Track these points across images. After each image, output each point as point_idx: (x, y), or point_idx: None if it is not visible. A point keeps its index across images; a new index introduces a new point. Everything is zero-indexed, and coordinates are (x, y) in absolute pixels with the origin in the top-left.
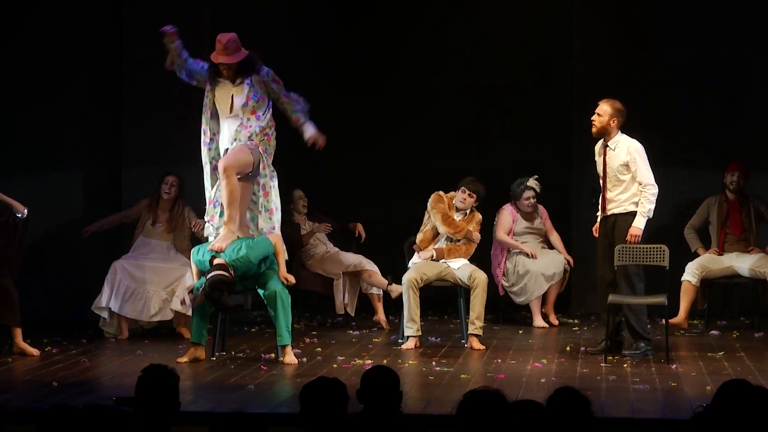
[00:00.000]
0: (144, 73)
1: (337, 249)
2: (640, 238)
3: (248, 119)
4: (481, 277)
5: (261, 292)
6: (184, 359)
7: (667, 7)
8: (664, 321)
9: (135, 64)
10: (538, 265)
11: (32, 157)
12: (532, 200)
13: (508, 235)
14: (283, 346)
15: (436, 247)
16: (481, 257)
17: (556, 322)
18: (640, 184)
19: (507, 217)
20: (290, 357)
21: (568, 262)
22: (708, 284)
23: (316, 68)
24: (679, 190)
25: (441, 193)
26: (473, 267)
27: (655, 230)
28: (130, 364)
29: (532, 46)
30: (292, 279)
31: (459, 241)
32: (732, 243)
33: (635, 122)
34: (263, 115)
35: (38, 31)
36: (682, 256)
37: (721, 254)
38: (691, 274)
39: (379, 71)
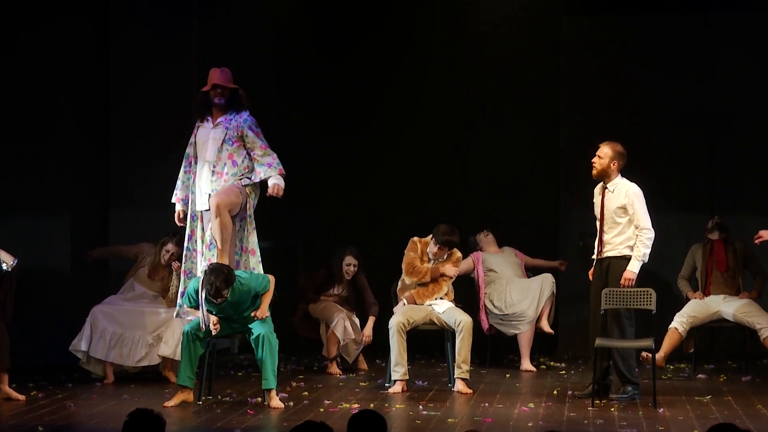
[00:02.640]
0: (132, 112)
1: (335, 301)
2: (634, 282)
3: (224, 165)
4: (465, 320)
5: (249, 335)
6: (172, 403)
7: (653, 55)
8: (651, 365)
9: (122, 102)
10: (524, 293)
11: (18, 197)
12: (488, 235)
13: (478, 276)
14: (269, 390)
15: (405, 294)
16: (468, 299)
17: (551, 330)
18: (637, 228)
19: (468, 261)
20: (276, 401)
21: (559, 268)
22: (695, 328)
23: (300, 103)
24: (665, 234)
25: (415, 239)
26: (458, 310)
27: (642, 272)
28: (115, 409)
29: (518, 88)
30: (264, 315)
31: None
32: (718, 284)
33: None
34: (241, 162)
35: (24, 69)
36: (669, 300)
37: (708, 295)
38: (678, 323)
39: (364, 107)
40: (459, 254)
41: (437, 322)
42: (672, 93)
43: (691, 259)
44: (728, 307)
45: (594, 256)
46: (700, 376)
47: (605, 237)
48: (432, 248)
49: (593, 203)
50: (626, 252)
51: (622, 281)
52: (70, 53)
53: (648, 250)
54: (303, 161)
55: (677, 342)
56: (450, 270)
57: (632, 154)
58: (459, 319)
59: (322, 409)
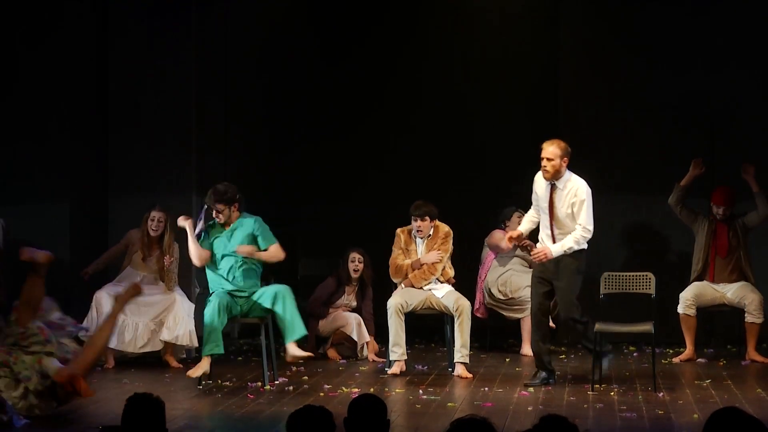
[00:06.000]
0: (130, 101)
1: (343, 309)
2: (545, 259)
3: None
4: (464, 305)
5: (262, 302)
6: (197, 373)
7: (652, 39)
8: (650, 348)
9: (121, 93)
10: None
11: (18, 187)
12: (520, 217)
13: (487, 259)
14: (294, 341)
15: (403, 279)
16: (467, 282)
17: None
18: (580, 225)
19: (498, 233)
20: (295, 350)
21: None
22: (699, 310)
23: (300, 95)
24: (666, 216)
25: (399, 231)
26: (457, 295)
27: (641, 257)
28: (116, 393)
29: (517, 77)
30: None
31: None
32: (720, 270)
33: (622, 151)
34: None
35: (26, 61)
36: (670, 283)
37: (712, 281)
38: (686, 306)
39: (363, 105)
40: (446, 228)
41: (436, 307)
42: (672, 82)
43: (697, 214)
44: (731, 293)
45: (521, 229)
46: (699, 360)
47: (555, 233)
48: (414, 225)
49: (534, 191)
50: (576, 247)
51: (535, 252)
52: (70, 46)
53: (577, 247)
54: (306, 150)
55: (695, 325)
56: (430, 257)
57: (633, 139)
58: (457, 304)
59: (322, 394)
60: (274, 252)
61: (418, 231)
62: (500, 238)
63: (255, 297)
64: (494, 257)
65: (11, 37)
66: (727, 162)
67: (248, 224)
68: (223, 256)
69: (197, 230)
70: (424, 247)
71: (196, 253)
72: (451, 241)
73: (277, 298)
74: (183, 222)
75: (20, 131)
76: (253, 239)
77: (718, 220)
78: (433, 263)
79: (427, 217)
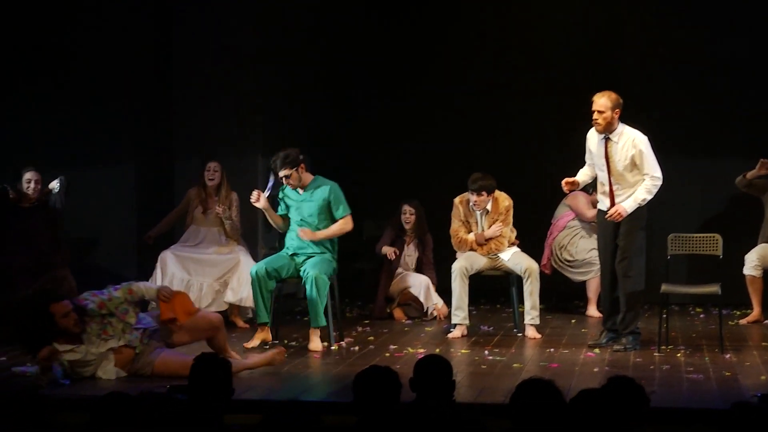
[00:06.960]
0: (194, 64)
1: (405, 269)
2: (620, 218)
3: None
4: (532, 266)
5: (302, 273)
6: (252, 344)
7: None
8: (717, 310)
9: (185, 55)
10: (594, 243)
11: (82, 151)
12: (593, 195)
13: (560, 221)
14: (315, 328)
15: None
16: (531, 243)
17: None
18: (647, 175)
19: (582, 198)
20: (315, 343)
21: None
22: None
23: (345, 76)
24: (729, 180)
25: (456, 201)
26: (524, 256)
27: (706, 219)
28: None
29: (551, 44)
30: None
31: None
32: None
33: (676, 113)
34: None
35: (91, 27)
36: (736, 244)
37: None
38: (752, 267)
39: (409, 75)
40: (507, 202)
41: (502, 269)
42: (708, 42)
43: (767, 191)
44: None
45: (605, 208)
46: (766, 321)
47: (614, 188)
48: (471, 199)
49: (587, 148)
50: (649, 197)
51: (611, 212)
52: (136, 8)
53: (651, 197)
54: (360, 115)
55: (761, 287)
56: (493, 232)
57: (684, 102)
58: (525, 266)
59: (387, 354)
60: (339, 226)
61: (474, 204)
62: (585, 204)
63: (306, 264)
64: (573, 218)
65: (76, 1)
66: None
67: (325, 189)
68: (301, 219)
69: (266, 194)
70: (485, 221)
71: (274, 224)
72: (512, 213)
73: (310, 283)
74: (257, 204)
75: (83, 95)
76: (327, 205)
77: None
78: (498, 238)
79: (483, 192)
